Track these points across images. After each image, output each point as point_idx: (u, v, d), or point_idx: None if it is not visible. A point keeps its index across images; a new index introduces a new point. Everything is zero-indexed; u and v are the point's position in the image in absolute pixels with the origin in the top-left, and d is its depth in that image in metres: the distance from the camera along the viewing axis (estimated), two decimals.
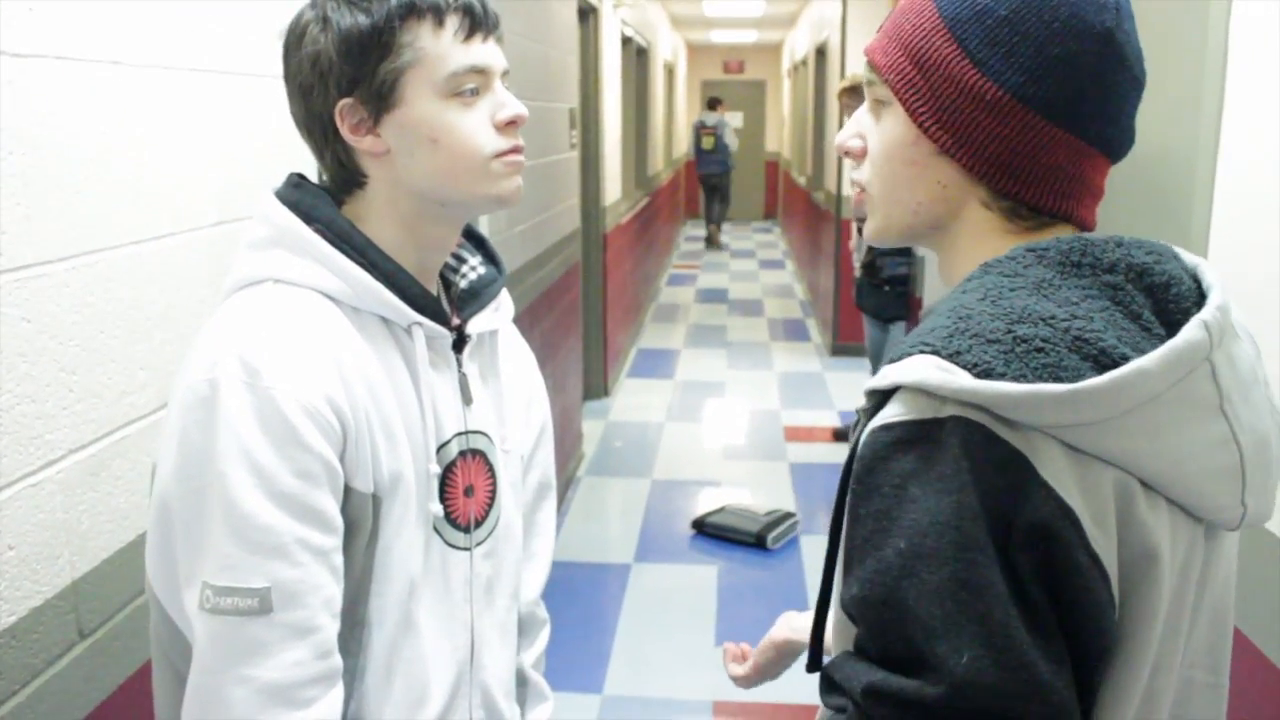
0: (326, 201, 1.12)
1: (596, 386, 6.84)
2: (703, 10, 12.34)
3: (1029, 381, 0.79)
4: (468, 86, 1.09)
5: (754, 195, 18.44)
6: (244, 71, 1.78)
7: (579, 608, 4.06)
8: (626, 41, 8.49)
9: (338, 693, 1.05)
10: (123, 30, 1.49)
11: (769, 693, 3.41)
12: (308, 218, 1.09)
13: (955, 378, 0.79)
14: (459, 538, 1.18)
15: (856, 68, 7.03)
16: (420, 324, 1.12)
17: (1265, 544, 1.57)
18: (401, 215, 1.13)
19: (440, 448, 1.15)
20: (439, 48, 1.08)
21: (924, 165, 0.93)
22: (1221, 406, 0.85)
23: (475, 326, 1.21)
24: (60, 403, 1.37)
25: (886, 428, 0.82)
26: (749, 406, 6.82)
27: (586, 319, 6.59)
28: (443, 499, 1.15)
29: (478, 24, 1.10)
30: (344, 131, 1.09)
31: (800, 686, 3.35)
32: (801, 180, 12.01)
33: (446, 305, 1.21)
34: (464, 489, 1.18)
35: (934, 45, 0.90)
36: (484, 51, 1.11)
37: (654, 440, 6.10)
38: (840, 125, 7.81)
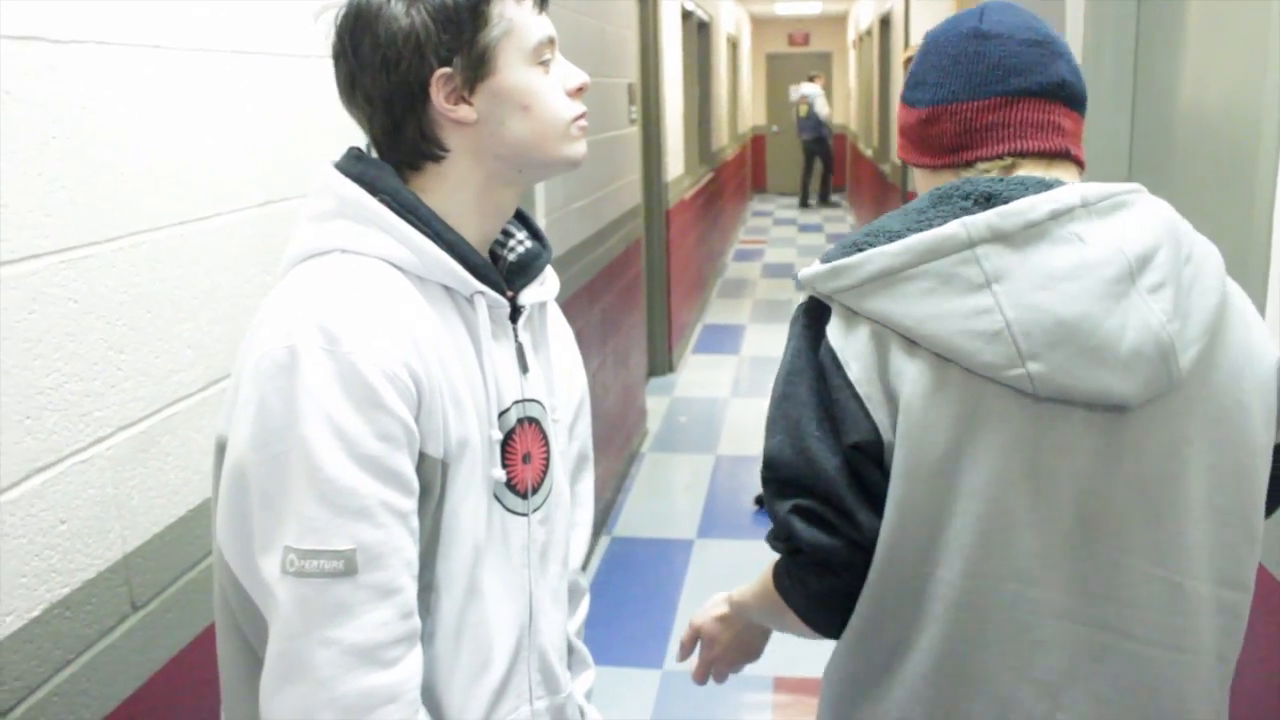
0: (390, 173, 1.13)
1: (661, 362, 6.84)
2: None
3: None
4: (546, 55, 1.15)
5: (808, 172, 18.25)
6: (286, 53, 1.79)
7: (642, 583, 4.07)
8: (687, 15, 8.44)
9: (418, 653, 1.08)
10: (163, 14, 1.51)
11: None
12: (372, 189, 1.11)
13: (807, 269, 1.20)
14: (518, 504, 1.21)
15: (921, 36, 6.91)
16: (483, 293, 1.15)
17: None
18: (475, 184, 1.16)
19: (501, 414, 1.17)
20: (523, 18, 1.13)
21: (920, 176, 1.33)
22: (990, 286, 1.09)
23: (527, 298, 1.23)
24: (109, 381, 1.40)
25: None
26: None
27: (650, 295, 6.60)
28: (503, 465, 1.18)
29: None
30: (438, 101, 1.11)
31: None
32: (869, 152, 11.86)
33: None
34: (522, 456, 1.21)
35: (901, 118, 1.32)
36: (550, 22, 1.17)
37: (719, 416, 6.09)
38: None
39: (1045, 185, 1.15)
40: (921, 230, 1.13)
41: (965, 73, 1.22)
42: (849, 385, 1.14)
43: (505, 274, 1.24)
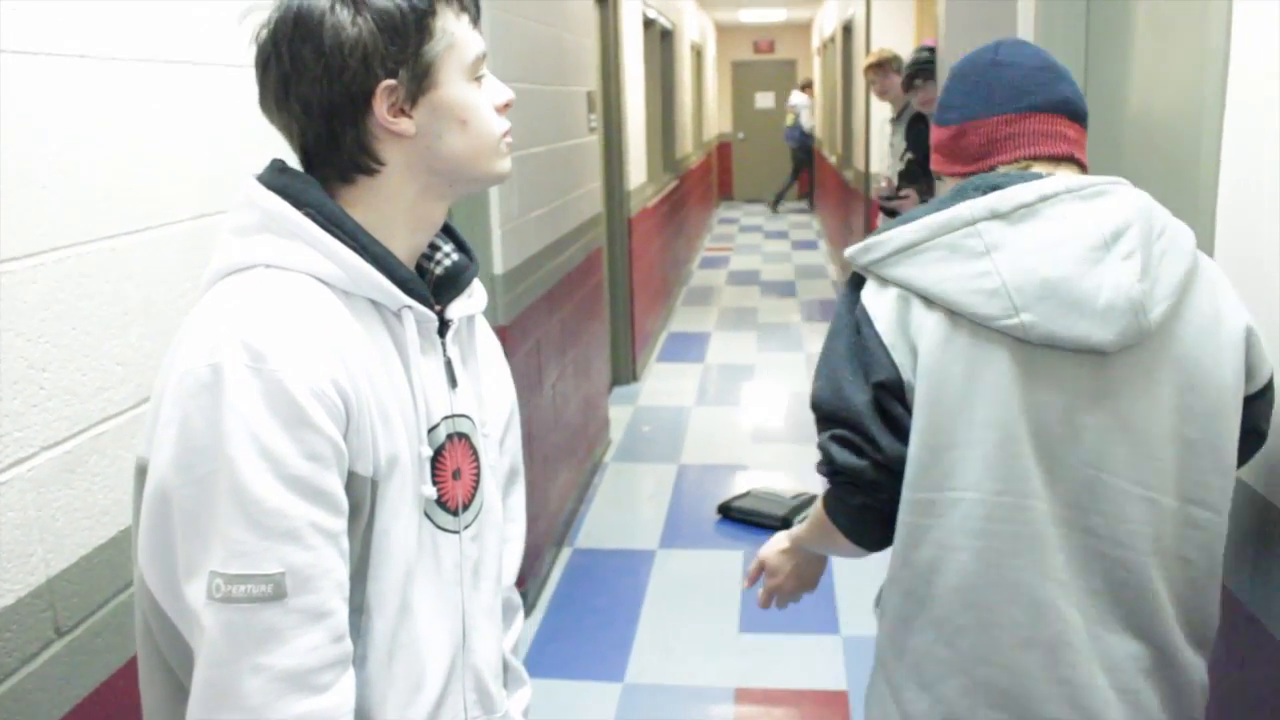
0: (315, 186, 1.11)
1: (625, 371, 6.82)
2: None
3: None
4: (481, 71, 1.15)
5: (786, 177, 18.32)
6: (222, 62, 1.76)
7: (603, 595, 4.04)
8: (649, 24, 8.44)
9: (350, 676, 1.05)
10: (90, 22, 1.47)
11: (790, 679, 3.39)
12: (297, 202, 1.09)
13: (850, 248, 1.47)
14: (449, 521, 1.19)
15: (882, 43, 6.94)
16: (411, 307, 1.13)
17: None
18: (407, 198, 1.14)
19: (430, 430, 1.15)
20: (463, 32, 1.12)
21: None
22: (989, 254, 1.35)
23: (455, 311, 1.22)
24: (30, 400, 1.36)
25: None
26: (778, 389, 6.77)
27: (613, 304, 6.57)
28: (433, 482, 1.15)
29: (478, 12, 1.16)
30: (380, 113, 1.09)
31: (822, 674, 3.32)
32: (833, 159, 11.90)
33: None
34: (452, 472, 1.19)
35: (934, 136, 1.58)
36: (481, 38, 1.16)
37: (682, 425, 6.07)
38: (868, 102, 7.72)
39: (1039, 178, 1.40)
40: (932, 215, 1.40)
41: (985, 95, 1.48)
42: (876, 336, 1.41)
43: (432, 287, 1.22)
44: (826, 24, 12.79)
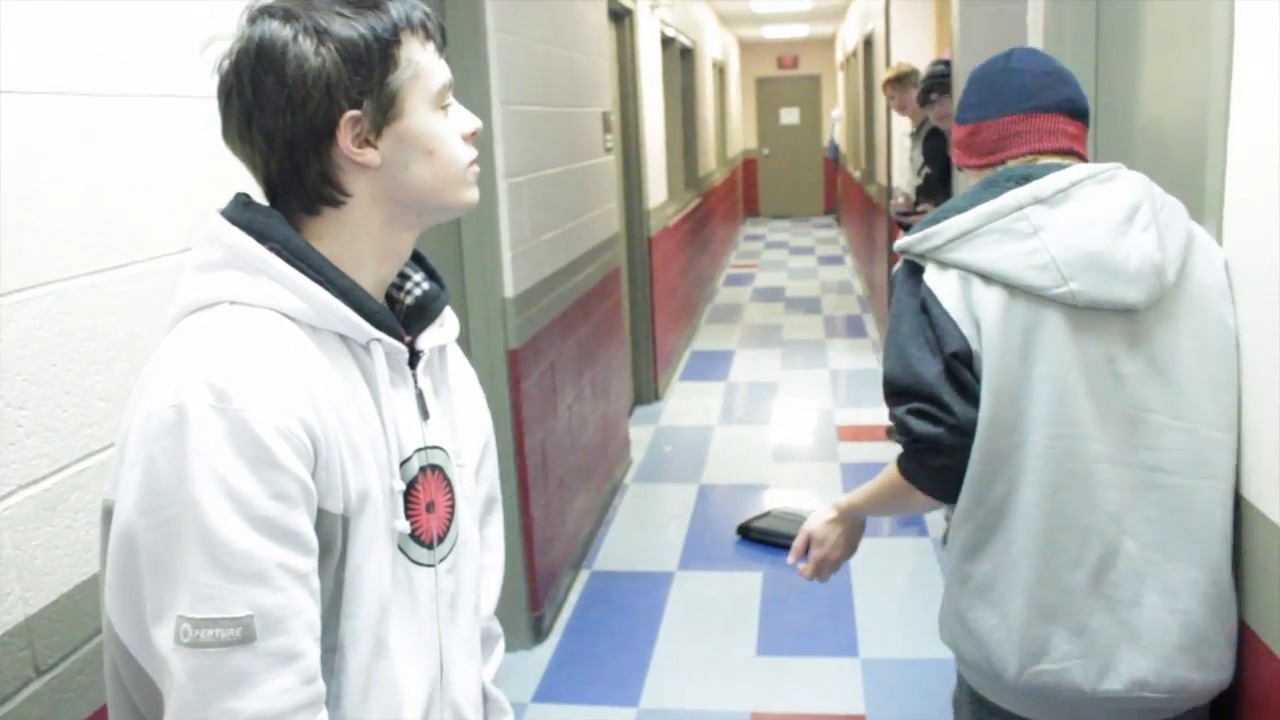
0: (279, 220, 1.10)
1: (647, 391, 6.79)
2: (749, 7, 12.25)
3: None
4: (447, 100, 1.14)
5: (814, 191, 18.27)
6: (204, 95, 1.75)
7: (619, 618, 4.01)
8: (669, 42, 8.44)
9: (324, 718, 1.04)
10: (71, 61, 1.47)
11: (808, 703, 3.34)
12: (261, 237, 1.07)
13: (902, 240, 1.68)
14: (423, 554, 1.17)
15: (902, 57, 6.90)
16: (379, 340, 1.12)
17: None
18: (373, 229, 1.13)
19: (402, 464, 1.14)
20: (428, 61, 1.12)
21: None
22: (1037, 234, 1.57)
23: (426, 342, 1.21)
24: (8, 438, 1.35)
25: (895, 269, 1.73)
26: (802, 406, 6.72)
27: (634, 324, 6.55)
28: (407, 515, 1.14)
29: (444, 40, 1.15)
30: (344, 144, 1.08)
31: (840, 698, 3.27)
32: (857, 174, 11.85)
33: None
34: (426, 505, 1.18)
35: (955, 133, 1.85)
36: (448, 67, 1.15)
37: (704, 444, 6.04)
38: (889, 116, 7.68)
39: (1062, 167, 1.64)
40: (983, 202, 1.62)
41: (998, 97, 1.74)
42: (945, 313, 1.60)
43: (403, 318, 1.21)
44: (849, 39, 12.76)
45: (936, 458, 1.62)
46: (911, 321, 1.63)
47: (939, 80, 4.54)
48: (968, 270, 1.60)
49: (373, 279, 1.14)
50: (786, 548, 4.36)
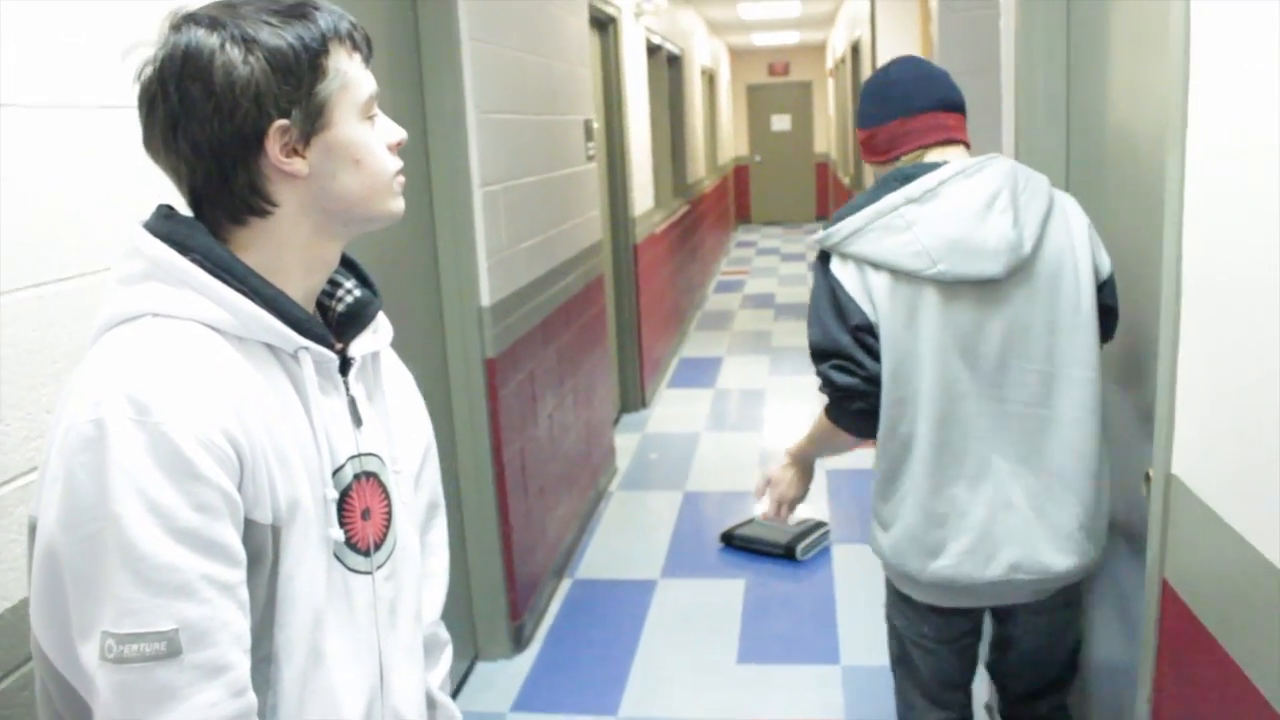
0: (201, 231, 1.09)
1: (634, 398, 6.78)
2: (738, 14, 12.25)
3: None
4: (374, 110, 1.15)
5: (805, 197, 18.28)
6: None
7: (600, 626, 3.99)
8: (655, 49, 8.43)
9: None
10: (10, 72, 1.45)
11: (786, 711, 3.33)
12: (183, 248, 1.07)
13: (817, 235, 2.07)
14: (360, 562, 1.17)
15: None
16: (307, 349, 1.11)
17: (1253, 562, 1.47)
18: (300, 239, 1.12)
19: (335, 472, 1.13)
20: (355, 72, 1.12)
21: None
22: (911, 229, 1.95)
23: (358, 349, 1.20)
24: None
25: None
26: (790, 413, 6.70)
27: (619, 331, 6.54)
28: (341, 524, 1.13)
29: (370, 51, 1.15)
30: (273, 153, 1.07)
31: (820, 706, 3.25)
32: (846, 180, 11.85)
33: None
34: (361, 512, 1.17)
35: (858, 136, 2.18)
36: (373, 78, 1.15)
37: (690, 451, 6.02)
38: None
39: (939, 165, 2.02)
40: (872, 203, 2.00)
41: (886, 105, 2.10)
42: (847, 294, 2.01)
43: (335, 325, 1.20)
44: (838, 45, 12.78)
45: (854, 403, 2.05)
46: (826, 300, 2.04)
47: None
48: (861, 260, 2.00)
49: (301, 288, 1.14)
50: (770, 555, 4.41)
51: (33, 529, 1.04)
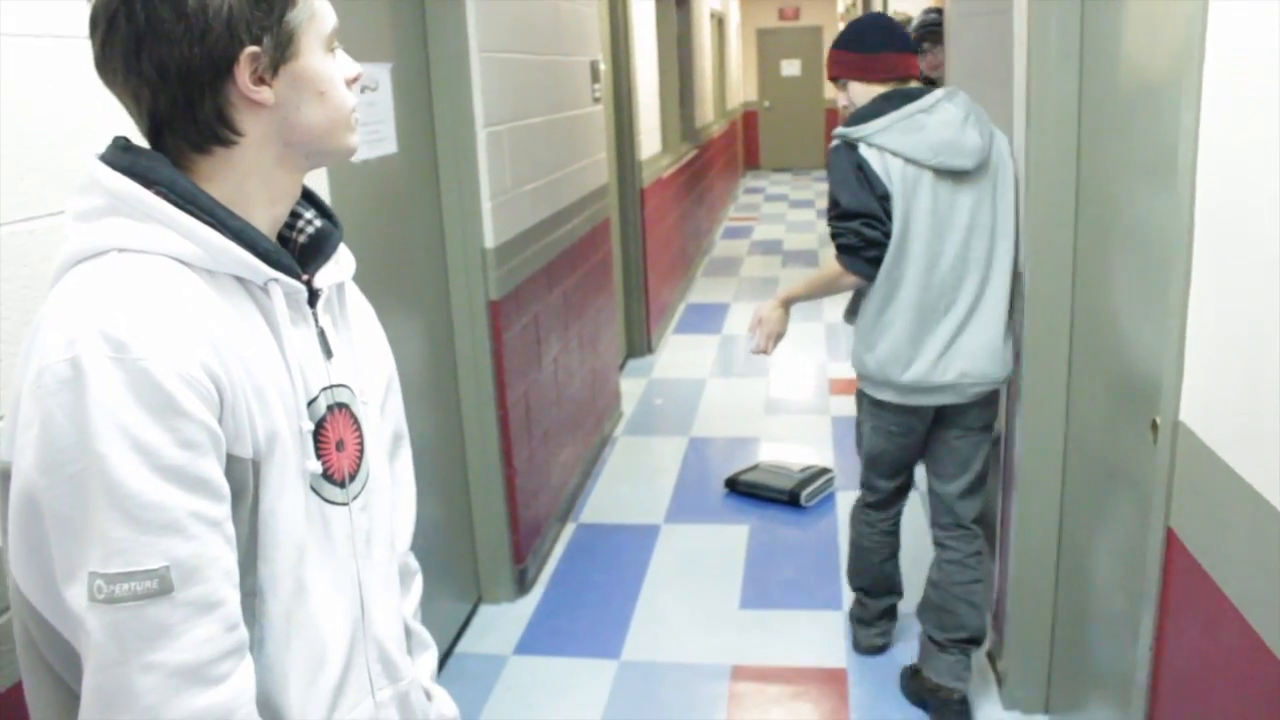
0: (163, 162, 1.06)
1: (639, 344, 6.76)
2: None
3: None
4: (336, 44, 1.14)
5: (815, 144, 18.11)
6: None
7: (604, 571, 4.00)
8: None
9: (249, 665, 1.03)
10: None
11: (789, 656, 3.34)
12: (146, 181, 1.04)
13: (842, 128, 2.83)
14: (336, 493, 1.17)
15: (899, 7, 6.80)
16: (277, 280, 1.10)
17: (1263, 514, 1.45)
18: (263, 170, 1.11)
19: (309, 404, 1.13)
20: (321, 4, 1.11)
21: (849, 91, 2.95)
22: (922, 131, 2.71)
23: (323, 280, 1.19)
24: None
25: (832, 146, 2.85)
26: (795, 359, 6.68)
27: (626, 276, 6.50)
28: (317, 455, 1.13)
29: None
30: (242, 80, 1.05)
31: (822, 651, 3.26)
32: None
33: None
34: (335, 443, 1.17)
35: (834, 57, 2.95)
36: (334, 12, 1.14)
37: (696, 397, 6.01)
38: None
39: (925, 90, 2.77)
40: (885, 113, 2.73)
41: (887, 36, 2.86)
42: (874, 172, 2.70)
43: (297, 256, 1.19)
44: None
45: (872, 251, 2.75)
46: (854, 176, 2.74)
47: (930, 29, 4.46)
48: (883, 149, 2.72)
49: (266, 219, 1.12)
50: (774, 501, 4.41)
51: (4, 474, 1.02)
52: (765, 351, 2.95)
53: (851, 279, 2.80)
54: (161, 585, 0.95)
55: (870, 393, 2.93)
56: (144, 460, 0.94)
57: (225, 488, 1.01)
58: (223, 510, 1.01)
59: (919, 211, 2.70)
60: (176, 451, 0.96)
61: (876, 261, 2.73)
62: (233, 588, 1.01)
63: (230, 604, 1.00)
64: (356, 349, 1.24)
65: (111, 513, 0.94)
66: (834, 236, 2.78)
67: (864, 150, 2.71)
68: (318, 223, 1.22)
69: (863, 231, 2.71)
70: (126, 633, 0.94)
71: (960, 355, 2.77)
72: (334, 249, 1.21)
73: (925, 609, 3.02)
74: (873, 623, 3.33)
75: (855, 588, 3.33)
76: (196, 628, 0.97)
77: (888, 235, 2.70)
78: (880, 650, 3.33)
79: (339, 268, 1.22)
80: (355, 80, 1.16)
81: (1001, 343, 2.80)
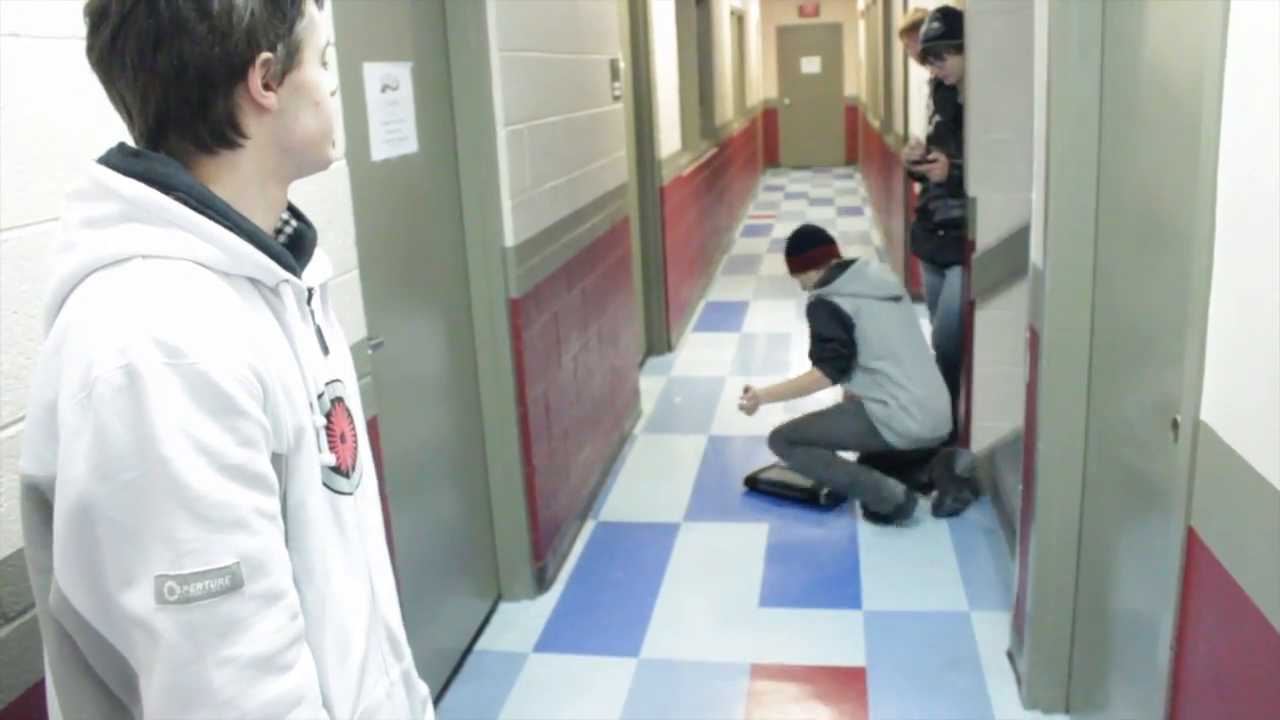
0: (178, 167, 1.08)
1: (659, 341, 6.77)
2: None
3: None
4: (327, 58, 1.19)
5: (835, 141, 18.09)
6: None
7: (623, 569, 4.01)
8: None
9: (308, 650, 1.08)
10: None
11: (808, 655, 3.34)
12: (164, 186, 1.05)
13: (816, 291, 4.44)
14: (344, 484, 1.20)
15: (920, 3, 6.77)
16: (288, 281, 1.13)
17: (1267, 497, 1.45)
18: (260, 176, 1.14)
19: (318, 399, 1.16)
20: (319, 16, 1.16)
21: (805, 276, 4.72)
22: (867, 279, 4.34)
23: (310, 278, 1.22)
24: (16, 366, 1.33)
25: (810, 303, 4.43)
26: None
27: (645, 274, 6.51)
28: (329, 449, 1.16)
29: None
30: (254, 85, 1.08)
31: (841, 650, 3.26)
32: (875, 124, 11.71)
33: None
34: (339, 437, 1.20)
35: (789, 262, 4.67)
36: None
37: (715, 395, 6.01)
38: (906, 65, 7.55)
39: (854, 261, 4.43)
40: (839, 276, 4.30)
41: (813, 241, 4.53)
42: (845, 312, 4.21)
43: None
44: None
45: (844, 362, 4.20)
46: (830, 317, 4.21)
47: (932, 44, 4.50)
48: (845, 294, 4.19)
49: (264, 224, 1.15)
50: (795, 499, 4.42)
51: (31, 487, 1.04)
52: (750, 414, 4.56)
53: (826, 381, 4.27)
54: (233, 581, 0.98)
55: (871, 432, 4.40)
56: (209, 461, 0.97)
57: (276, 482, 1.05)
58: (276, 504, 1.05)
59: (873, 325, 4.20)
60: (238, 450, 0.99)
61: (846, 372, 4.24)
62: (290, 578, 1.06)
63: (291, 594, 1.05)
64: (340, 345, 1.29)
65: (179, 514, 0.96)
66: (818, 355, 4.26)
67: (835, 299, 4.22)
68: (294, 224, 1.24)
69: (840, 351, 4.20)
70: (201, 630, 0.97)
71: (932, 415, 4.33)
72: (313, 248, 1.24)
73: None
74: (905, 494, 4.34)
75: (857, 487, 4.36)
76: (266, 619, 1.01)
77: (855, 354, 4.21)
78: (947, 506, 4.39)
79: (319, 266, 1.25)
80: (334, 93, 1.19)
81: (943, 400, 4.35)
